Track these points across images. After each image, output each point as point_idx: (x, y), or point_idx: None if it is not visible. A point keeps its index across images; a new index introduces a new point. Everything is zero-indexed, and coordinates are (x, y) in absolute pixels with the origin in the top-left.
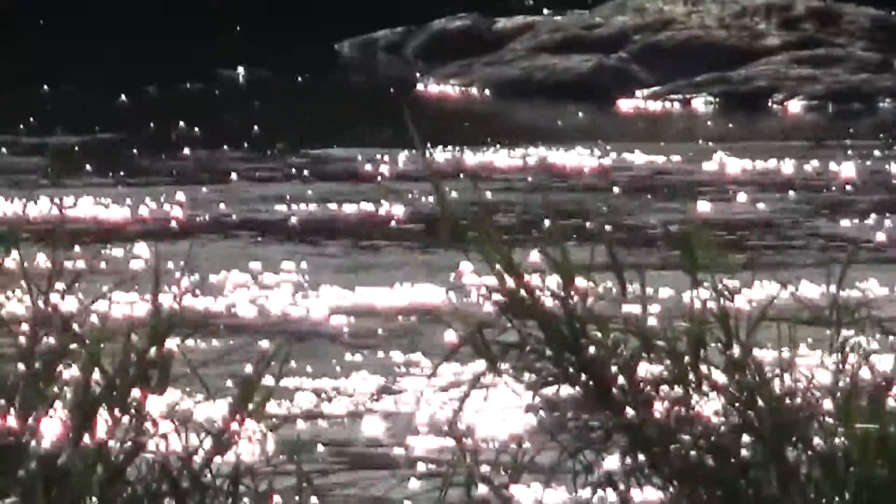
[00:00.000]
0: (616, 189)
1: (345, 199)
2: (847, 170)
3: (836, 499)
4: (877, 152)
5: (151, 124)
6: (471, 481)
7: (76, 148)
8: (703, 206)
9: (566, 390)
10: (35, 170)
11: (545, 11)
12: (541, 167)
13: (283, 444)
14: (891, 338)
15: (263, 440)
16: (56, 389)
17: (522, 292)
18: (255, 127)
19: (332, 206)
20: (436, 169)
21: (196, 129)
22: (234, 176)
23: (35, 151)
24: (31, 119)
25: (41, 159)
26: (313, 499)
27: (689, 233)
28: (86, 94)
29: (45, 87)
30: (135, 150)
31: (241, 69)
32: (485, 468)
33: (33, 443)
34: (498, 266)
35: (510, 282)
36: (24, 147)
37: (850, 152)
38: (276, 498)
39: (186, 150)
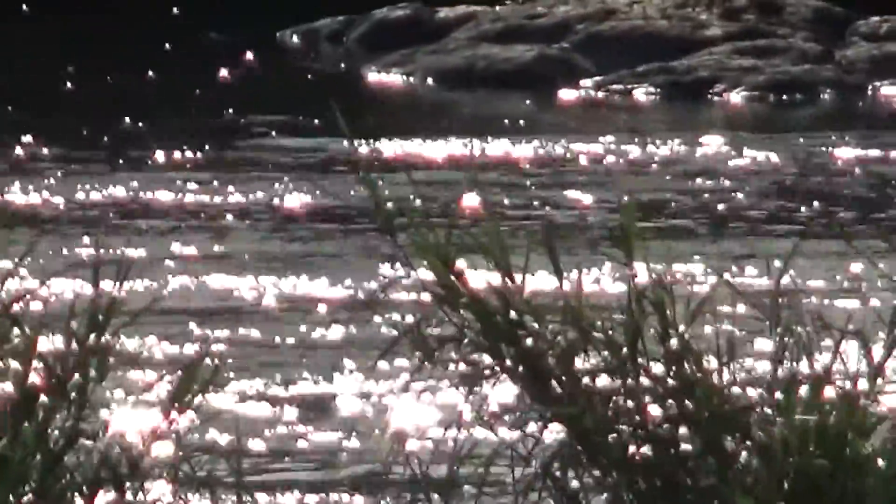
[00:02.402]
0: (559, 181)
1: (284, 188)
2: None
3: (775, 488)
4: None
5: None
6: (412, 474)
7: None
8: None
9: (504, 381)
10: None
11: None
12: (480, 158)
13: (220, 431)
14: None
15: (203, 428)
16: None
17: (459, 284)
18: (198, 116)
19: (272, 195)
20: (368, 160)
21: (141, 121)
22: (179, 164)
23: None
24: None
25: None
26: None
27: (623, 223)
28: (42, 76)
29: None
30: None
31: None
32: (424, 459)
33: None
34: (434, 258)
35: (446, 274)
36: None
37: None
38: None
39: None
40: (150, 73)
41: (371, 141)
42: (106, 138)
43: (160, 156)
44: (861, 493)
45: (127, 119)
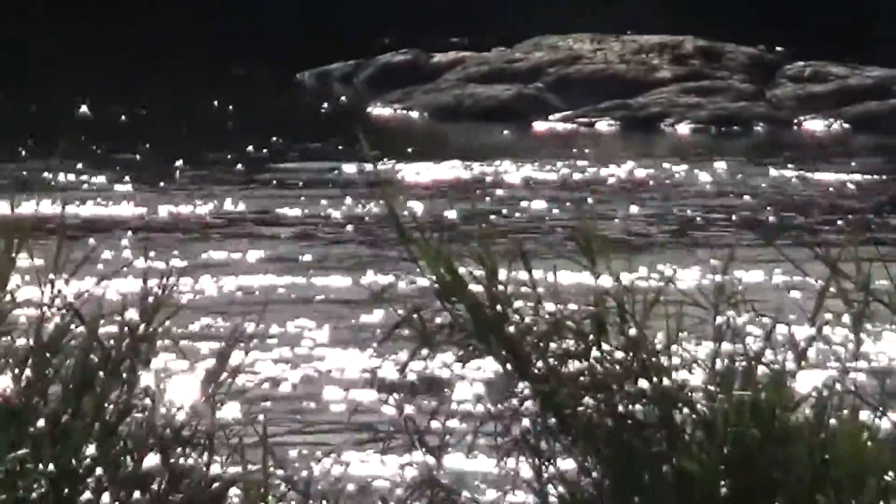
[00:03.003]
0: (535, 197)
1: (309, 201)
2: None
3: (716, 455)
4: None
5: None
6: (411, 439)
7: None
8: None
9: (489, 363)
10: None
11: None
12: (468, 178)
13: (250, 405)
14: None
15: (235, 401)
16: (61, 359)
17: (454, 281)
18: (233, 147)
19: (300, 208)
20: (383, 179)
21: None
22: (219, 184)
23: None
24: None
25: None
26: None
27: (585, 230)
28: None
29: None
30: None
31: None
32: (421, 426)
33: (42, 404)
34: (434, 259)
35: (444, 272)
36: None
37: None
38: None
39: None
40: (215, 102)
41: (379, 163)
42: (180, 159)
43: (221, 175)
44: (787, 460)
45: (193, 143)
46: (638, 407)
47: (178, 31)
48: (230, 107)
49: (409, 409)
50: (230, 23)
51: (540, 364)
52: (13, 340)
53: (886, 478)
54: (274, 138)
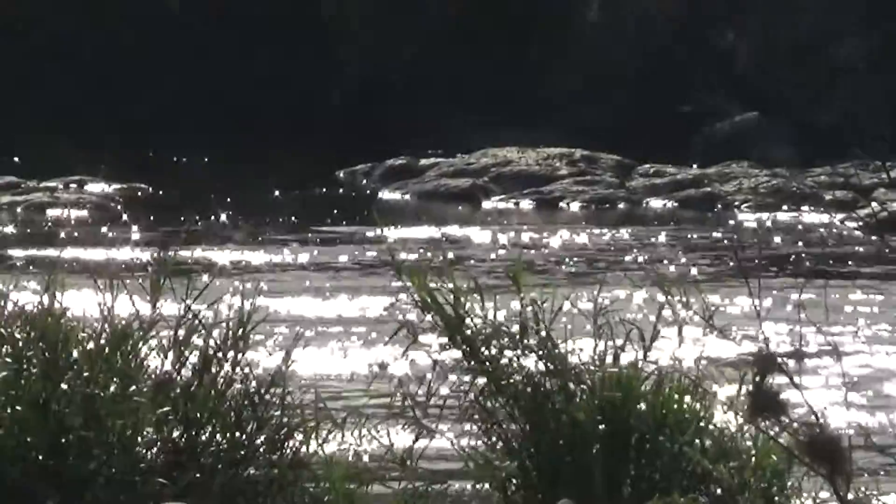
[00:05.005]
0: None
1: (340, 252)
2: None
3: (594, 408)
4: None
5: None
6: (404, 400)
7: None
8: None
9: (454, 352)
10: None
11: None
12: (442, 235)
13: (302, 380)
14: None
15: (295, 376)
16: (190, 351)
17: (432, 300)
18: (293, 218)
19: (330, 256)
20: (387, 236)
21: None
22: (286, 244)
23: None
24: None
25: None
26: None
27: (513, 268)
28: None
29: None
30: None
31: (275, 190)
32: (412, 394)
33: (178, 378)
34: (419, 286)
35: (426, 294)
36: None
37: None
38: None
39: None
40: (276, 192)
41: (386, 227)
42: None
43: (286, 235)
44: (639, 412)
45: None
46: (546, 379)
47: (260, 146)
48: (294, 192)
49: (404, 382)
50: (290, 135)
51: (486, 353)
52: (160, 338)
53: (700, 424)
54: (321, 212)
